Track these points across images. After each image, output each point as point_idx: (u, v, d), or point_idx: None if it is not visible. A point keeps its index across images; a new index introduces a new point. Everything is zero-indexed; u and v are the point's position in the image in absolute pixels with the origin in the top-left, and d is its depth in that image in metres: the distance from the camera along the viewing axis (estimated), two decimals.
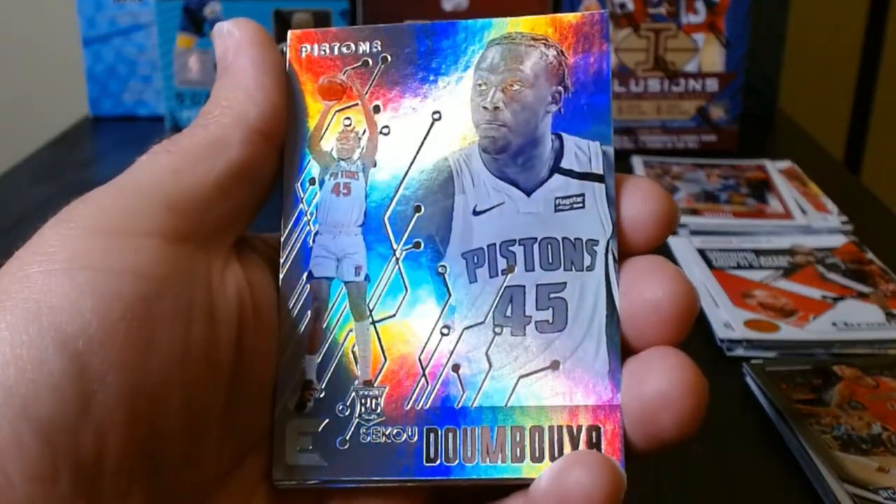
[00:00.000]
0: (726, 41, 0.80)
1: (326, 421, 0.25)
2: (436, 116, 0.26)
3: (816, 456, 0.40)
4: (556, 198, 0.26)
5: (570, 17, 0.26)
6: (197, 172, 0.24)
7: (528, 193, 0.26)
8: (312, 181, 0.26)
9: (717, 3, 0.80)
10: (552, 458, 0.24)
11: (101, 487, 0.20)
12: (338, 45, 0.27)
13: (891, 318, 0.52)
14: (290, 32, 0.27)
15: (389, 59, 0.27)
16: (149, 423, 0.21)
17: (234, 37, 0.26)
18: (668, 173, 0.75)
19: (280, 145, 0.26)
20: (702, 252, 0.60)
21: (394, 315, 0.25)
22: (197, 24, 0.84)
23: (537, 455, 0.24)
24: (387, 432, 0.25)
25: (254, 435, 0.25)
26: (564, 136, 0.26)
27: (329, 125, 0.27)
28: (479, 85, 0.26)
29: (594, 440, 0.24)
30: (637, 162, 0.78)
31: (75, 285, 0.21)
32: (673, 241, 0.62)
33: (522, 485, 0.24)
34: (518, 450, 0.24)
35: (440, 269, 0.26)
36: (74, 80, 0.96)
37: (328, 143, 0.27)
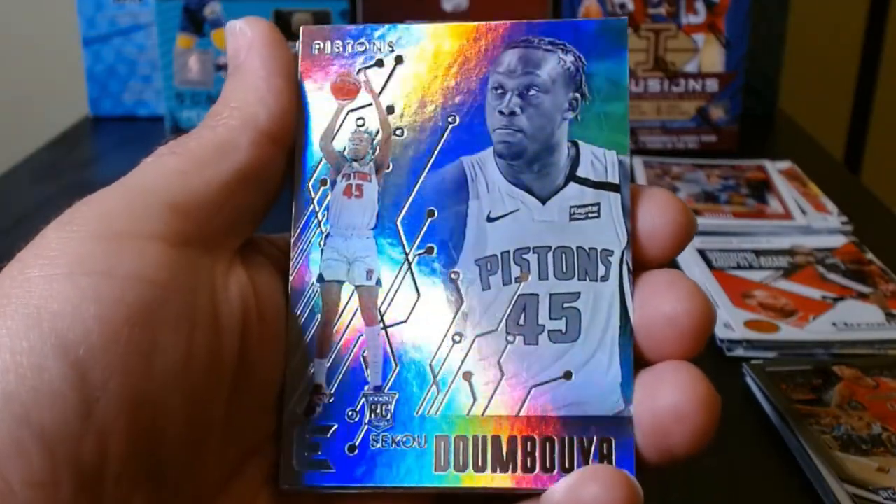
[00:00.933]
0: (726, 41, 0.80)
1: (335, 426, 0.25)
2: (450, 119, 0.26)
3: (816, 456, 0.40)
4: (572, 206, 0.25)
5: (588, 23, 0.26)
6: (203, 175, 0.24)
7: (543, 201, 0.26)
8: (324, 182, 0.26)
9: (717, 3, 0.80)
10: (563, 469, 0.24)
11: (103, 494, 0.20)
12: (352, 42, 0.27)
13: (891, 319, 0.52)
14: (302, 28, 0.27)
15: (404, 59, 0.27)
16: (150, 430, 0.21)
17: (246, 36, 0.26)
18: (668, 174, 0.75)
19: (289, 148, 0.26)
20: (702, 252, 0.60)
21: (405, 321, 0.25)
22: (197, 24, 0.84)
23: (548, 465, 0.24)
24: (396, 439, 0.25)
25: (257, 439, 0.25)
26: (581, 143, 0.26)
27: (342, 125, 0.26)
28: (496, 89, 0.26)
29: (605, 452, 0.24)
30: (637, 162, 0.77)
31: (77, 290, 0.21)
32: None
33: (532, 494, 0.24)
34: (529, 460, 0.24)
35: (453, 276, 0.25)
36: (74, 80, 0.96)
37: (340, 143, 0.26)
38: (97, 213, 0.22)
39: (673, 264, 0.59)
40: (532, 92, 0.26)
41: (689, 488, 0.40)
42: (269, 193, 0.25)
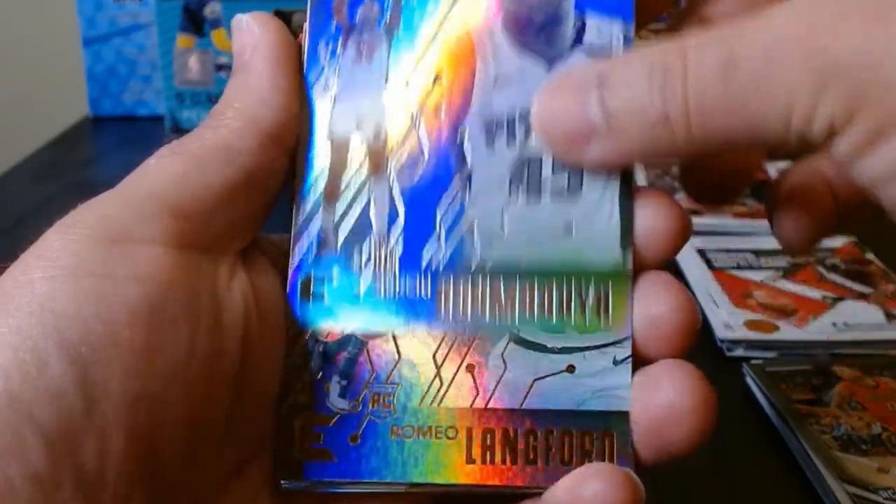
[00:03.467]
0: None
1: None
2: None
3: (816, 456, 0.40)
4: None
5: None
6: (205, 178, 0.24)
7: (548, 66, 0.26)
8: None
9: None
10: (563, 464, 0.24)
11: (102, 492, 0.20)
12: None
13: (891, 318, 0.52)
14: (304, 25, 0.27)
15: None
16: (151, 429, 0.21)
17: (253, 33, 0.26)
18: (668, 174, 0.75)
19: (291, 149, 0.26)
20: (702, 252, 0.60)
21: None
22: (197, 24, 0.84)
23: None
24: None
25: (258, 441, 0.25)
26: (588, 14, 0.26)
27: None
28: None
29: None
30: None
31: (79, 291, 0.21)
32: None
33: (534, 493, 0.24)
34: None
35: (460, 129, 0.25)
36: (74, 80, 0.96)
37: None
38: (98, 217, 0.23)
39: (673, 265, 0.59)
40: None
41: (688, 488, 0.40)
42: (271, 195, 0.25)
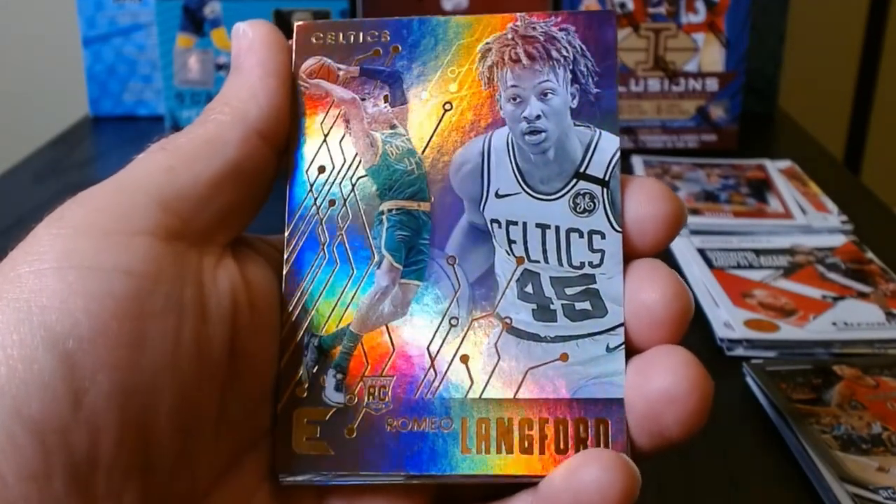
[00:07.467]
0: (726, 41, 0.80)
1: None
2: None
3: (816, 456, 0.40)
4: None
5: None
6: (192, 170, 0.24)
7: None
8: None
9: (717, 3, 0.80)
10: (558, 451, 0.24)
11: (95, 485, 0.20)
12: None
13: (891, 318, 0.52)
14: (296, 25, 0.27)
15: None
16: (141, 421, 0.21)
17: (247, 37, 0.26)
18: (668, 173, 0.75)
19: (281, 147, 0.26)
20: (702, 252, 0.60)
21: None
22: (197, 24, 0.84)
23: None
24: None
25: (253, 434, 0.25)
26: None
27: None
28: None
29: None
30: (637, 161, 0.78)
31: (65, 284, 0.21)
32: (673, 241, 0.62)
33: (530, 482, 0.24)
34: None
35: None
36: (74, 80, 0.96)
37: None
38: (85, 211, 0.23)
39: (673, 264, 0.59)
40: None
41: (688, 487, 0.40)
42: (260, 190, 0.26)
